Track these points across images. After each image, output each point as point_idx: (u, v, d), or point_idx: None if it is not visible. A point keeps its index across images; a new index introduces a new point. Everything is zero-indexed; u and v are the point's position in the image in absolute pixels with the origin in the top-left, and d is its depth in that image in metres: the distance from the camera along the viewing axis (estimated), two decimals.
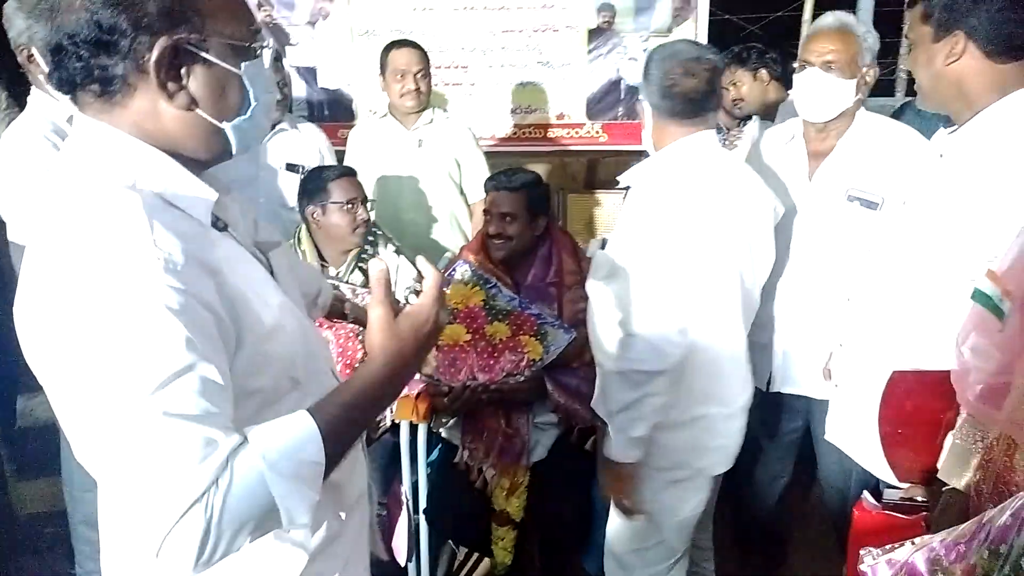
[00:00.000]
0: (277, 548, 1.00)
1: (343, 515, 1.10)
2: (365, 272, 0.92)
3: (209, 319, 0.84)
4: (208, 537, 0.77)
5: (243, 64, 0.93)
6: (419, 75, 2.85)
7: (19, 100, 2.98)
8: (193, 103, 0.90)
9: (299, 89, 3.92)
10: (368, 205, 2.37)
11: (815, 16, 3.87)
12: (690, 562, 2.00)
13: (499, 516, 2.16)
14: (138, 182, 0.88)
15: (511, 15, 3.84)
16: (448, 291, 2.24)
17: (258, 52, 0.95)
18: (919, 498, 1.47)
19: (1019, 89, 1.38)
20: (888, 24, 4.12)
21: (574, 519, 2.14)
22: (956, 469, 1.28)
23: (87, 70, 0.86)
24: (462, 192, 3.04)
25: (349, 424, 0.90)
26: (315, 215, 2.32)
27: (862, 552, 1.20)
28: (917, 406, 1.47)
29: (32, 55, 1.91)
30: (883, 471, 1.64)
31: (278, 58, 2.81)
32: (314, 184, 2.36)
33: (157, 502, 0.77)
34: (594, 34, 3.84)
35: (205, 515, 0.77)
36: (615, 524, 1.91)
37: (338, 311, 1.64)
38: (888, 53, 4.09)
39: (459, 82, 3.90)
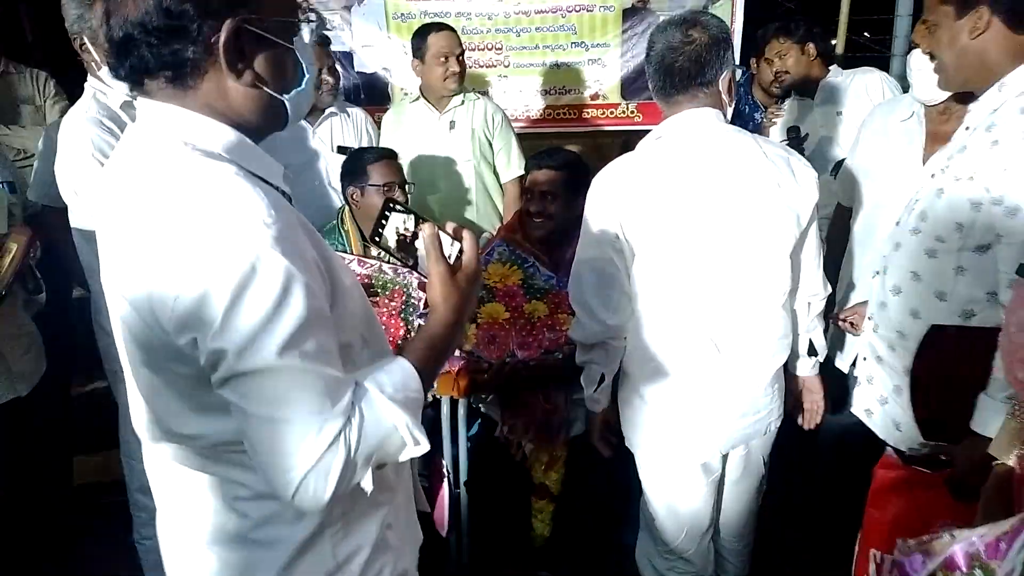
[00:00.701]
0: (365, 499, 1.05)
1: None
2: (378, 244, 1.06)
3: (317, 276, 0.92)
4: (348, 469, 0.88)
5: (294, 39, 0.99)
6: (461, 56, 2.89)
7: (67, 88, 3.09)
8: (259, 79, 0.95)
9: None
10: (408, 188, 2.42)
11: None
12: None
13: (538, 490, 2.21)
14: (222, 155, 0.93)
15: None
16: (487, 270, 2.28)
17: (301, 26, 1.01)
18: (943, 456, 1.50)
19: None
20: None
21: (612, 493, 2.17)
22: (1008, 447, 1.28)
23: (159, 56, 0.90)
24: (495, 172, 3.07)
25: (431, 364, 1.03)
26: (355, 196, 2.37)
27: (899, 541, 1.20)
28: (953, 362, 1.50)
29: (84, 43, 1.95)
30: (901, 438, 1.66)
31: (326, 42, 2.85)
32: (354, 166, 2.41)
33: (300, 443, 0.85)
34: (628, 13, 3.84)
35: (344, 449, 0.87)
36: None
37: None
38: None
39: (493, 63, 3.92)
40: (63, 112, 2.40)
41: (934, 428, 1.56)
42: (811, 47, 2.85)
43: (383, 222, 1.09)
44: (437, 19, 3.37)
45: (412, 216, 1.10)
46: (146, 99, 0.95)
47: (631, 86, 3.91)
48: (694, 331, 1.68)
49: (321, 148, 2.78)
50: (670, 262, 1.64)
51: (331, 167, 2.75)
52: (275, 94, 0.97)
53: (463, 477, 2.22)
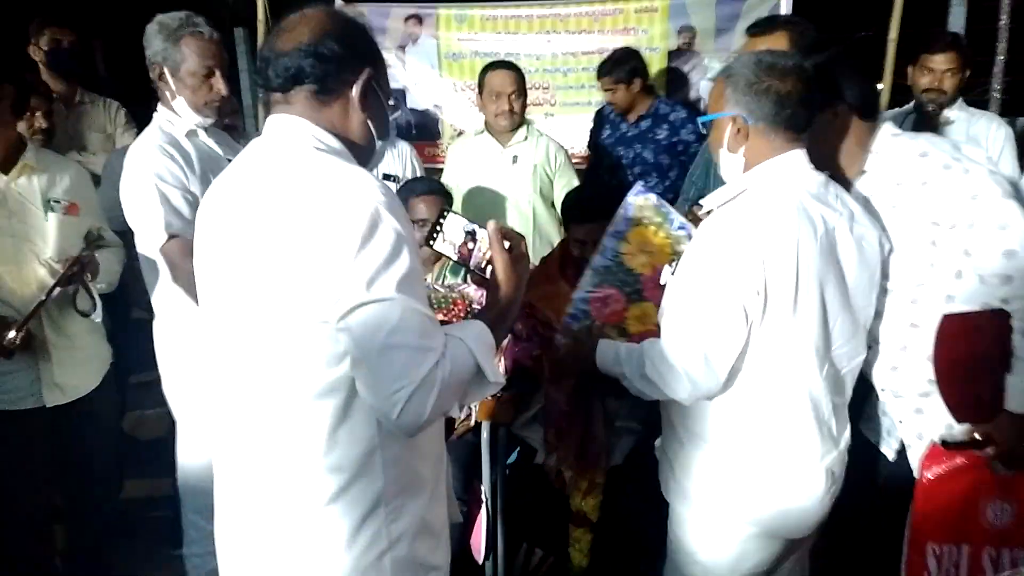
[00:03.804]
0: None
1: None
2: (431, 246, 1.34)
3: (415, 245, 1.16)
4: (441, 393, 1.10)
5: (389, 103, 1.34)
6: (512, 96, 2.99)
7: (135, 116, 3.26)
8: (371, 116, 1.27)
9: None
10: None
11: (901, 35, 3.83)
12: None
13: (576, 517, 2.21)
14: (339, 155, 1.21)
15: (593, 38, 3.94)
16: (630, 237, 2.06)
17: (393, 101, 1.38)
18: (977, 436, 1.67)
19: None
20: (982, 43, 4.01)
21: (650, 524, 2.16)
22: None
23: (314, 71, 1.21)
24: (552, 207, 3.14)
25: (498, 326, 1.29)
26: None
27: None
28: (969, 344, 1.66)
29: (163, 73, 2.07)
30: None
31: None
32: (401, 196, 2.51)
33: (408, 366, 1.08)
34: (673, 55, 3.90)
35: (440, 374, 1.10)
36: None
37: None
38: (982, 72, 3.96)
39: (540, 102, 4.01)
40: (133, 140, 2.53)
41: (965, 411, 1.68)
42: (967, 73, 2.87)
43: (438, 227, 1.32)
44: (488, 59, 3.48)
45: (465, 219, 1.33)
46: (280, 113, 1.24)
47: None
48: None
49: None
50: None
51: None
52: (374, 133, 1.30)
53: (501, 503, 2.23)
